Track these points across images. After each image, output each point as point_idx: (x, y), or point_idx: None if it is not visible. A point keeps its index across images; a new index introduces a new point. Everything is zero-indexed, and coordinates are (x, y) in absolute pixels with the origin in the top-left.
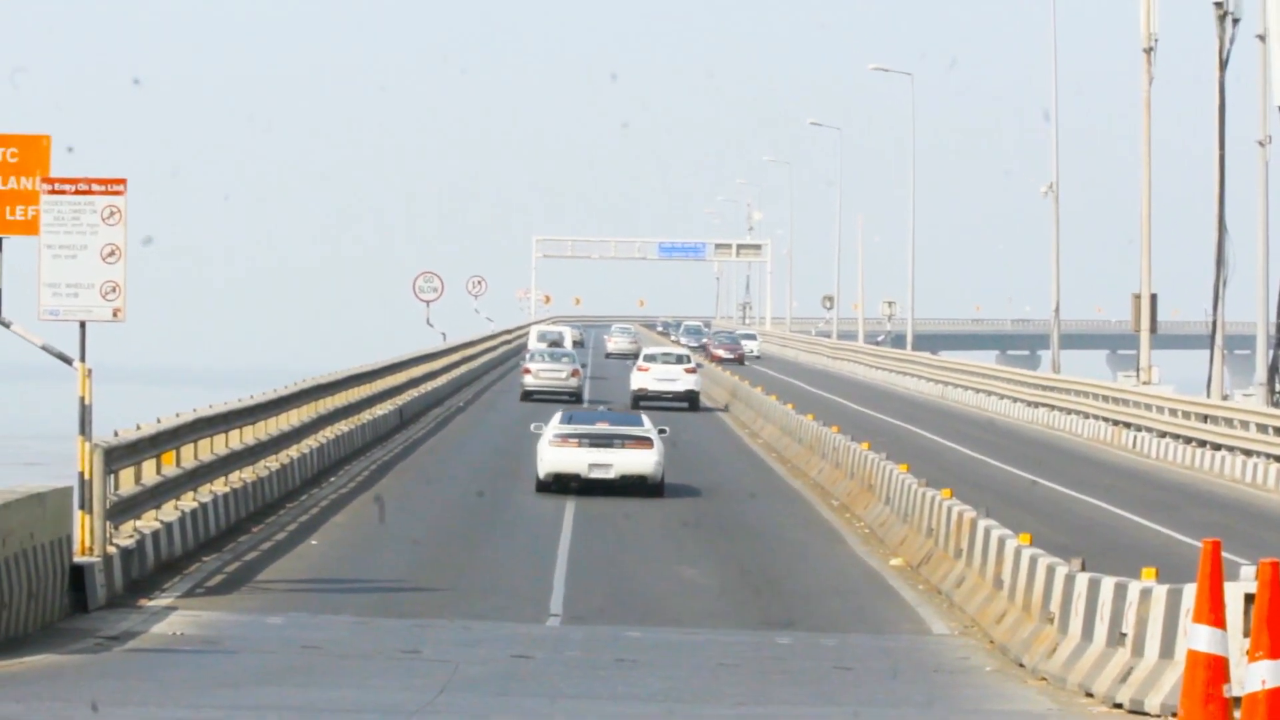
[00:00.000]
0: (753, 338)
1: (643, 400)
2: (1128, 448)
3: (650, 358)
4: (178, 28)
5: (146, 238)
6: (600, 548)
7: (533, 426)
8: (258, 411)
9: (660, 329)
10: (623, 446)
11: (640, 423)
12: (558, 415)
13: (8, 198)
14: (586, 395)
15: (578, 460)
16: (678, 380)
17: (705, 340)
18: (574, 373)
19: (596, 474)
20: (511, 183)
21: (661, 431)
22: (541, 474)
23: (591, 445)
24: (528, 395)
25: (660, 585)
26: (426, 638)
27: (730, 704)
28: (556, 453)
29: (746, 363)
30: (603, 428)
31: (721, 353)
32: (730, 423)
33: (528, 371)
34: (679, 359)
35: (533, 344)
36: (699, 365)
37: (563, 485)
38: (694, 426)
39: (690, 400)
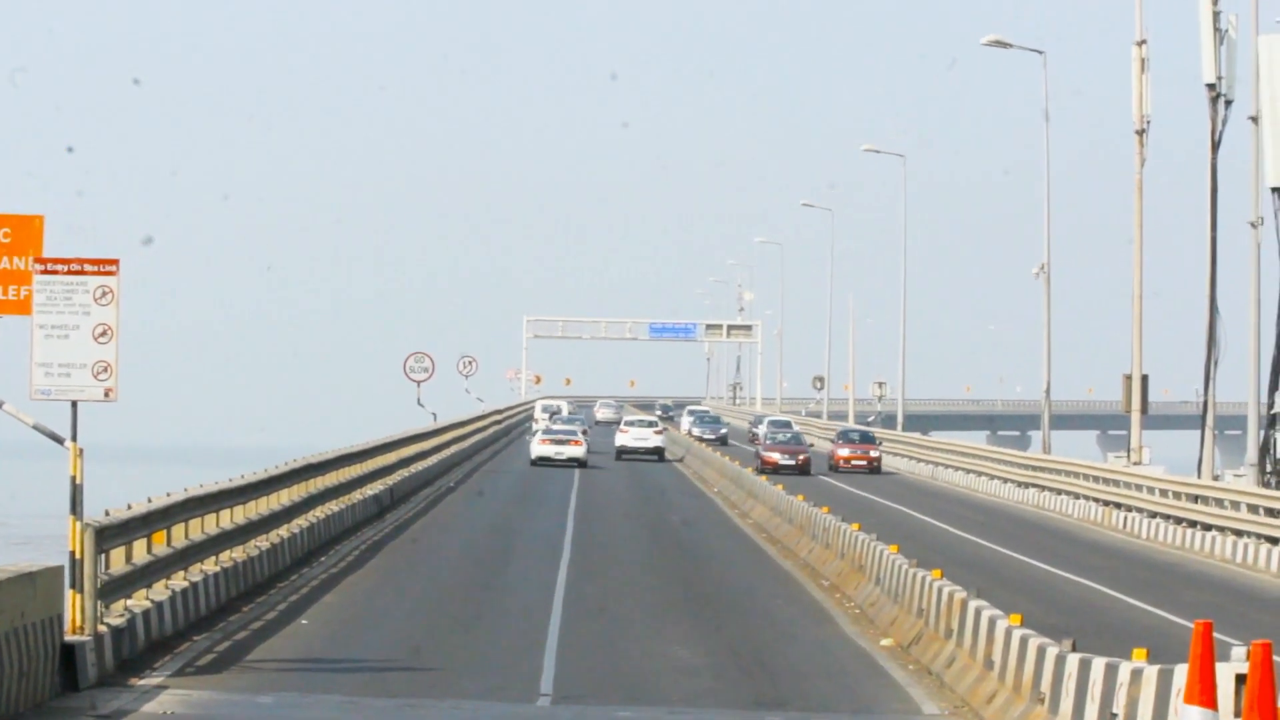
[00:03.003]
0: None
1: (625, 453)
2: (1118, 528)
3: (630, 423)
4: (178, 28)
5: (147, 238)
6: (591, 626)
7: (532, 428)
8: (248, 491)
9: (660, 412)
10: (568, 443)
11: (575, 433)
12: (538, 426)
13: (1, 277)
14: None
15: (549, 450)
16: (649, 440)
17: (754, 431)
18: (583, 431)
19: (559, 456)
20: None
21: (584, 432)
22: (533, 457)
23: (554, 443)
24: (541, 461)
25: (651, 664)
26: (416, 717)
27: None
28: (540, 447)
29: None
30: (560, 435)
31: (777, 457)
32: (690, 476)
33: (545, 442)
34: (650, 424)
35: (538, 413)
36: (664, 429)
37: (545, 462)
38: (683, 507)
39: (658, 453)
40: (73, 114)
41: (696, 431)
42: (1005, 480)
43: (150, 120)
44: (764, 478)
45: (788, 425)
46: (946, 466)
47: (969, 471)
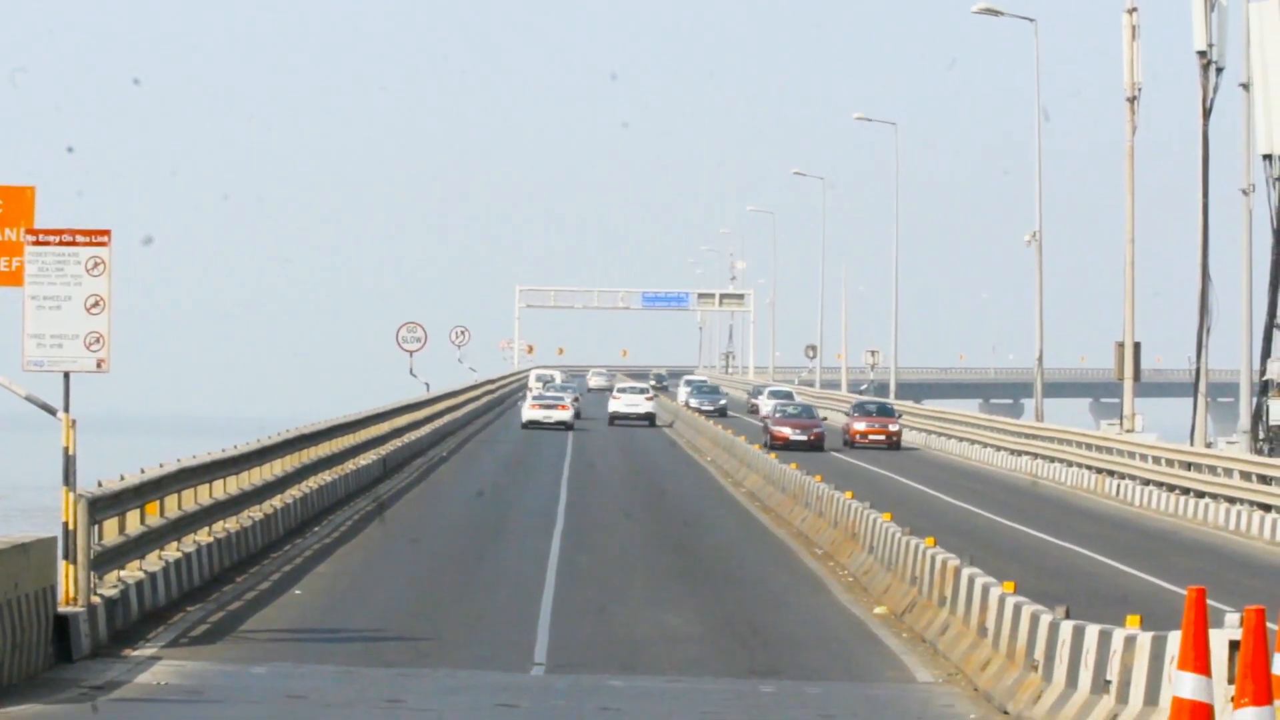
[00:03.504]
0: (789, 396)
1: (617, 419)
2: (1111, 495)
3: (622, 390)
4: (177, 28)
5: (147, 238)
6: (584, 596)
7: (528, 391)
8: (241, 462)
9: (654, 381)
10: (555, 408)
11: (563, 398)
12: (531, 393)
13: None
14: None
15: (539, 414)
16: (640, 406)
17: (754, 402)
18: (573, 399)
19: (548, 420)
20: (496, 233)
21: (576, 399)
22: (523, 421)
23: (543, 407)
24: (531, 424)
25: (644, 633)
26: (410, 687)
27: None
28: (530, 411)
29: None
30: (549, 400)
31: (788, 432)
32: (682, 444)
33: (534, 406)
34: (641, 391)
35: (532, 382)
36: (655, 395)
37: (534, 425)
38: (675, 476)
39: (649, 419)
40: (73, 114)
41: (694, 403)
42: (998, 448)
43: (150, 120)
44: (773, 455)
45: (789, 395)
46: (939, 434)
47: (962, 439)
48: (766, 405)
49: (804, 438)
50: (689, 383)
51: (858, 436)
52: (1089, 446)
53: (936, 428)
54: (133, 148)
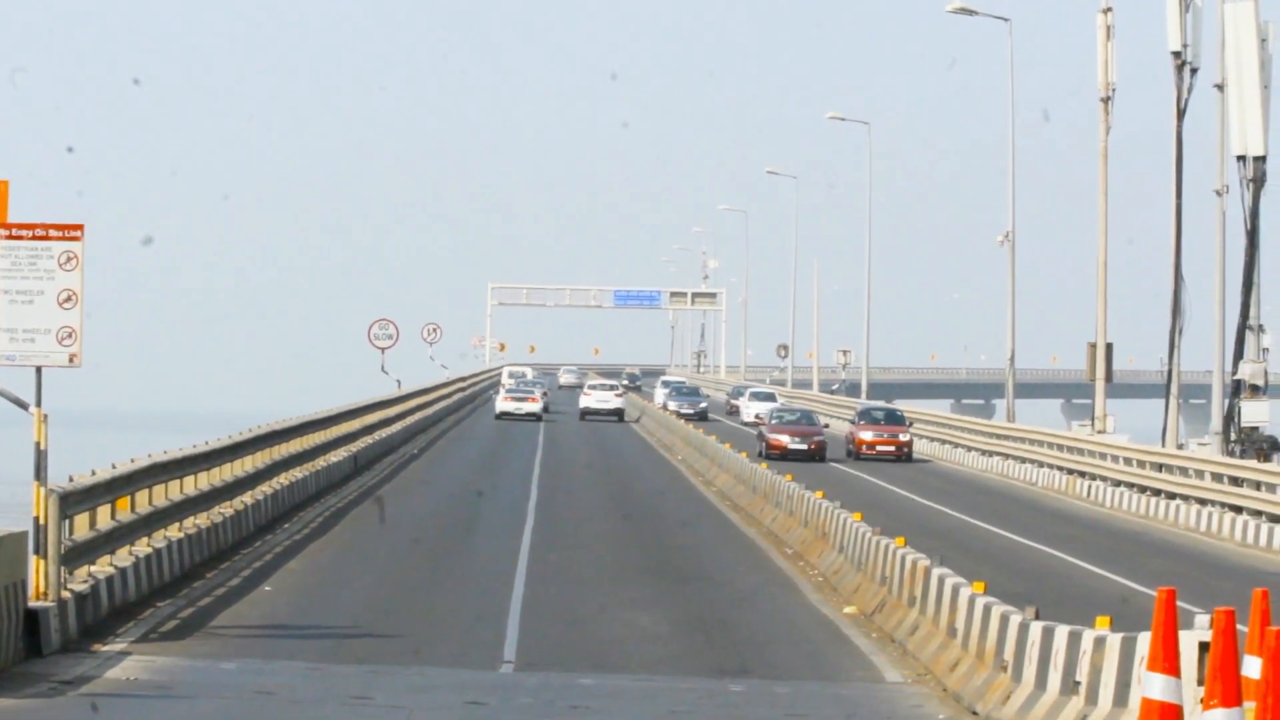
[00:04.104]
0: (772, 398)
1: (588, 414)
2: (1082, 496)
3: (593, 387)
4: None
5: (147, 238)
6: (554, 594)
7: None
8: (213, 457)
9: (627, 381)
10: (526, 400)
11: (534, 392)
12: (505, 388)
13: None
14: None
15: (511, 406)
16: (610, 402)
17: (734, 404)
18: (543, 394)
19: (519, 411)
20: (469, 231)
21: (545, 394)
22: (497, 412)
23: (515, 400)
24: (503, 415)
25: (614, 631)
26: (379, 684)
27: None
28: (503, 403)
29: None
30: (520, 394)
31: (786, 440)
32: (654, 444)
33: (508, 399)
34: (610, 388)
35: (505, 379)
36: (624, 391)
37: (507, 416)
38: (646, 476)
39: (618, 414)
40: (73, 114)
41: (673, 405)
42: (970, 449)
43: (150, 120)
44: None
45: (773, 397)
46: (911, 434)
47: (933, 440)
48: (749, 408)
49: (804, 446)
50: (666, 384)
51: (864, 447)
52: (1060, 447)
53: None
54: (133, 148)
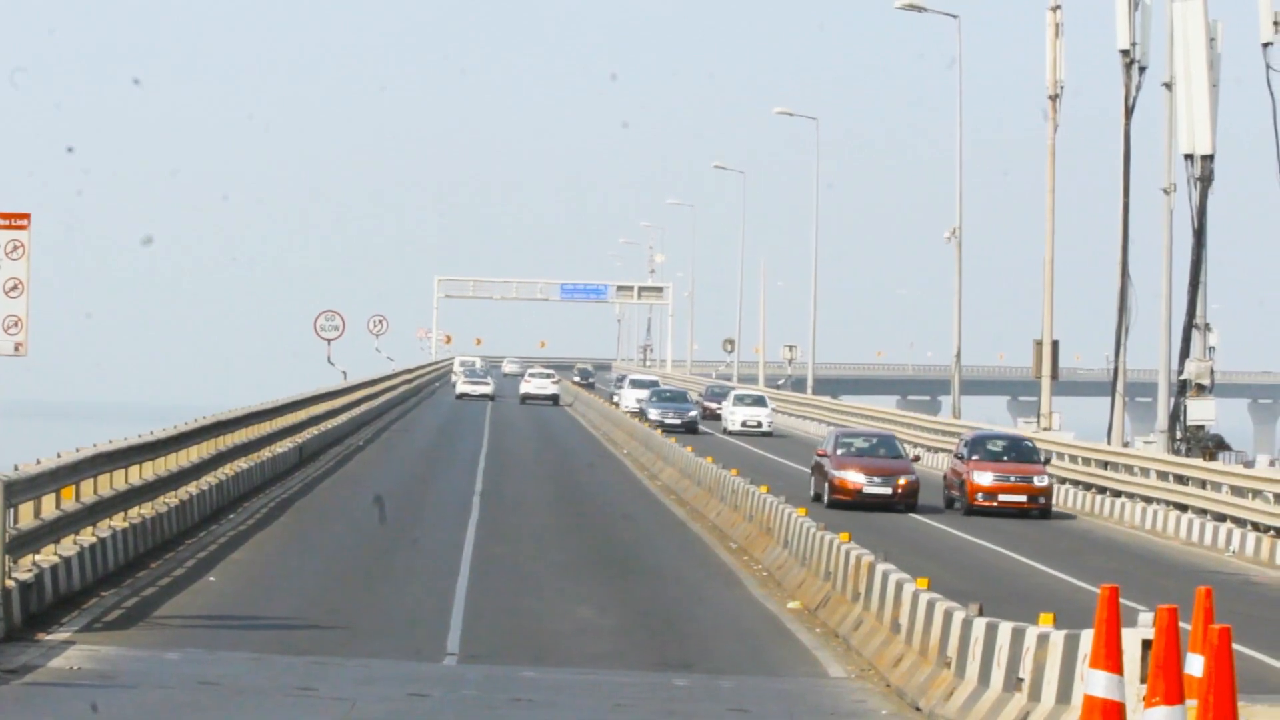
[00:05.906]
0: (762, 403)
1: (528, 398)
2: None
3: (532, 375)
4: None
5: (147, 237)
6: (498, 587)
7: (452, 379)
8: (158, 448)
9: (579, 378)
10: (480, 383)
11: (486, 379)
12: (463, 372)
13: None
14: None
15: (468, 388)
16: (547, 388)
17: (709, 406)
18: (492, 381)
19: (475, 392)
20: (415, 223)
21: (492, 382)
22: (457, 394)
23: (472, 383)
24: (462, 395)
25: (557, 625)
26: (323, 675)
27: None
28: (462, 385)
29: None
30: (476, 379)
31: (861, 480)
32: (599, 437)
33: (466, 383)
34: (548, 375)
35: (457, 367)
36: (560, 380)
37: (465, 397)
38: (592, 469)
39: (554, 399)
40: (73, 114)
41: (654, 414)
42: (915, 445)
43: (150, 120)
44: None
45: (761, 401)
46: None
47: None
48: (733, 414)
49: (887, 490)
50: (639, 383)
51: (980, 496)
52: None
53: (853, 423)
54: (133, 148)
